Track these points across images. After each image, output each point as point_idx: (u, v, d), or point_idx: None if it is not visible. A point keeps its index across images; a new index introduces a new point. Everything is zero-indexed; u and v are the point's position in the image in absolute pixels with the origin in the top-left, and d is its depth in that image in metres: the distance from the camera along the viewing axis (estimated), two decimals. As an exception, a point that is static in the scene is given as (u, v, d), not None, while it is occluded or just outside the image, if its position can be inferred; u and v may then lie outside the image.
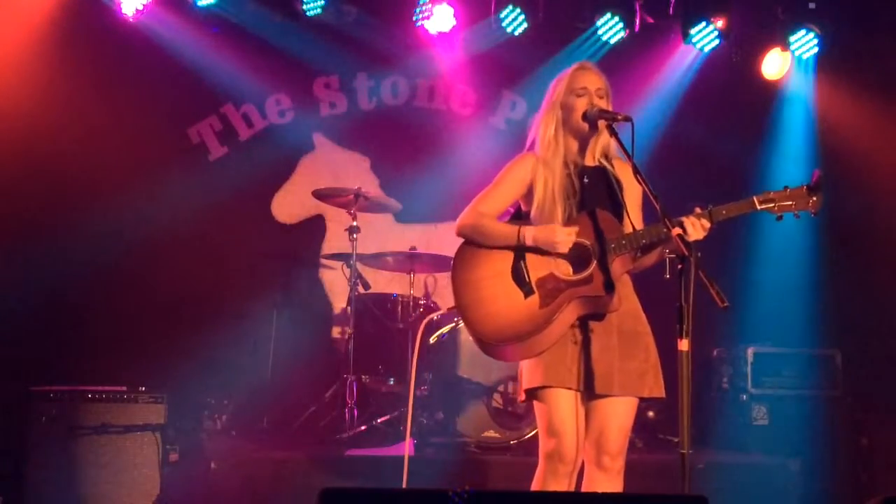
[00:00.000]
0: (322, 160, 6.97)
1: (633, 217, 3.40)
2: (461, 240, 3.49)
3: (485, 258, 3.42)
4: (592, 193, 3.41)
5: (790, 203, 3.27)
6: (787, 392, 6.21)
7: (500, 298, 3.34)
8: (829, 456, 5.91)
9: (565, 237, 3.30)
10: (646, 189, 3.18)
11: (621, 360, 3.34)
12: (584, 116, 3.38)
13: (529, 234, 3.35)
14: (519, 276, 3.36)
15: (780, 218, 3.30)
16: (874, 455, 6.03)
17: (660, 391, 3.40)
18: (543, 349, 3.29)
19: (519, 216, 3.54)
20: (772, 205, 3.27)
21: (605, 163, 3.47)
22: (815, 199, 3.27)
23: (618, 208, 3.37)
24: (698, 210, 3.24)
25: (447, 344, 5.43)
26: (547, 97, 3.51)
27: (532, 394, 3.40)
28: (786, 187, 3.29)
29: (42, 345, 5.79)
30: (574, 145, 3.46)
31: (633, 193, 3.41)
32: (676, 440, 3.19)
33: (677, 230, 3.03)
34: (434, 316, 5.08)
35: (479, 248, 3.44)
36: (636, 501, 2.94)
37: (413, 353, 4.60)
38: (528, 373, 3.40)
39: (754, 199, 3.28)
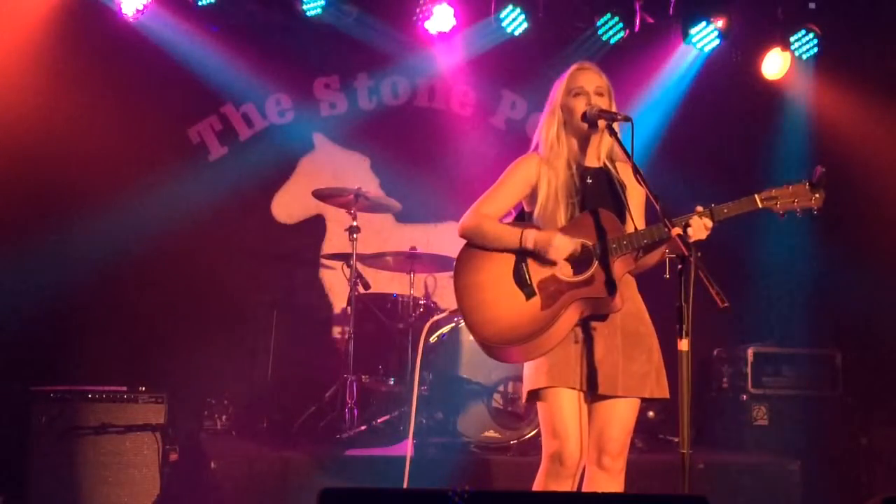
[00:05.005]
0: (322, 160, 6.96)
1: (636, 218, 3.39)
2: (461, 240, 3.48)
3: (486, 261, 3.41)
4: (595, 194, 3.40)
5: (792, 200, 3.24)
6: (787, 392, 6.22)
7: (502, 301, 3.33)
8: (829, 456, 5.92)
9: (560, 247, 3.28)
10: (646, 189, 3.18)
11: (625, 360, 3.33)
12: (584, 116, 3.37)
13: (531, 237, 3.33)
14: (520, 278, 3.35)
15: (782, 216, 3.27)
16: (874, 455, 6.04)
17: (662, 392, 3.39)
18: (547, 350, 3.28)
19: (522, 218, 3.53)
20: (774, 202, 3.25)
21: (608, 164, 3.46)
22: (817, 195, 3.24)
23: (621, 209, 3.36)
24: (699, 209, 3.23)
25: (447, 344, 5.42)
26: (549, 99, 3.51)
27: (535, 395, 3.38)
28: (787, 184, 3.26)
29: (42, 345, 5.78)
30: (576, 146, 3.45)
31: (636, 195, 3.41)
32: (676, 440, 3.19)
33: (677, 230, 3.02)
34: (439, 316, 5.08)
35: (481, 251, 3.42)
36: (636, 501, 2.94)
37: (414, 352, 4.60)
38: (532, 374, 3.38)
39: (756, 197, 3.26)
